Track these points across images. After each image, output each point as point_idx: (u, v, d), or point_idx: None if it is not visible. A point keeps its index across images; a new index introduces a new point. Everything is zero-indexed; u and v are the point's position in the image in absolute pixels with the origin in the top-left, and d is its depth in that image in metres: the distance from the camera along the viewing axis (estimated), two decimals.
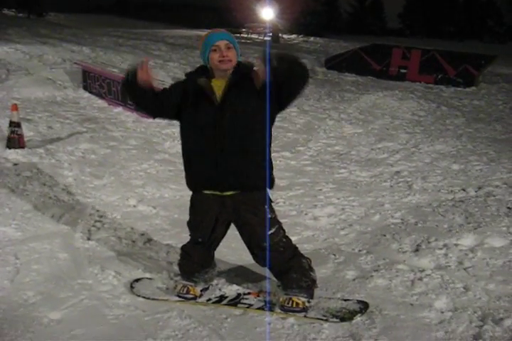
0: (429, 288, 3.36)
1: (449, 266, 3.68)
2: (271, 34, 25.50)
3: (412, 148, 7.09)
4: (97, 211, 4.57)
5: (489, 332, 2.85)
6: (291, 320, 3.01)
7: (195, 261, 3.22)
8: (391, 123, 8.72)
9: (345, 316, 3.00)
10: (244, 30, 27.21)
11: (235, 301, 3.19)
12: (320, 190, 5.43)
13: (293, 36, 27.68)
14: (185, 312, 3.09)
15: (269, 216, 2.97)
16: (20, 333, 2.87)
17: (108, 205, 4.74)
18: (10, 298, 3.17)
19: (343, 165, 6.36)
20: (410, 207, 4.88)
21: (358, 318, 3.00)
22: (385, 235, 4.24)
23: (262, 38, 25.58)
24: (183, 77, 3.06)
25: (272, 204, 3.04)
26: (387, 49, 14.77)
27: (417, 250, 3.94)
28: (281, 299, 3.11)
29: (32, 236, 3.98)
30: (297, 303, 3.05)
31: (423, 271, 3.57)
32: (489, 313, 3.04)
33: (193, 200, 3.09)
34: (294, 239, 4.15)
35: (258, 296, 3.24)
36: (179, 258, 3.32)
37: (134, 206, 4.78)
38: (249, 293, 3.28)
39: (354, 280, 3.53)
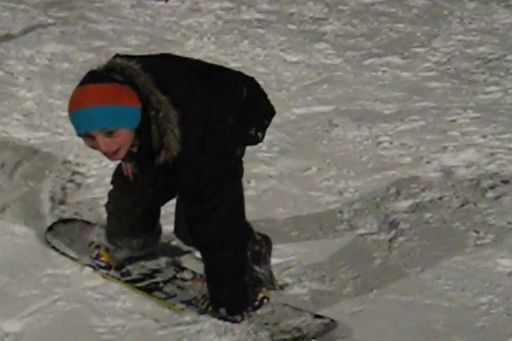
0: None
1: None
2: None
3: None
4: (76, 156, 4.63)
5: None
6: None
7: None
8: None
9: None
10: None
11: (156, 286, 3.41)
12: (453, 121, 5.40)
13: None
14: (224, 325, 3.12)
15: None
16: None
17: None
18: None
19: (492, 80, 6.24)
20: None
21: None
22: None
23: None
24: None
25: None
26: None
27: None
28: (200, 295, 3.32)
29: None
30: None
31: None
32: None
33: None
34: (407, 203, 4.18)
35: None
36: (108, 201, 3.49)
37: None
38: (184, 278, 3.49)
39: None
